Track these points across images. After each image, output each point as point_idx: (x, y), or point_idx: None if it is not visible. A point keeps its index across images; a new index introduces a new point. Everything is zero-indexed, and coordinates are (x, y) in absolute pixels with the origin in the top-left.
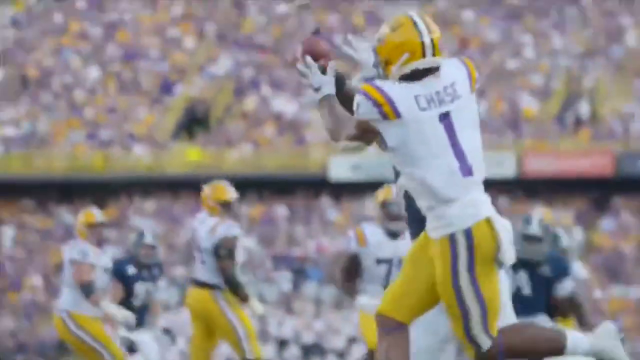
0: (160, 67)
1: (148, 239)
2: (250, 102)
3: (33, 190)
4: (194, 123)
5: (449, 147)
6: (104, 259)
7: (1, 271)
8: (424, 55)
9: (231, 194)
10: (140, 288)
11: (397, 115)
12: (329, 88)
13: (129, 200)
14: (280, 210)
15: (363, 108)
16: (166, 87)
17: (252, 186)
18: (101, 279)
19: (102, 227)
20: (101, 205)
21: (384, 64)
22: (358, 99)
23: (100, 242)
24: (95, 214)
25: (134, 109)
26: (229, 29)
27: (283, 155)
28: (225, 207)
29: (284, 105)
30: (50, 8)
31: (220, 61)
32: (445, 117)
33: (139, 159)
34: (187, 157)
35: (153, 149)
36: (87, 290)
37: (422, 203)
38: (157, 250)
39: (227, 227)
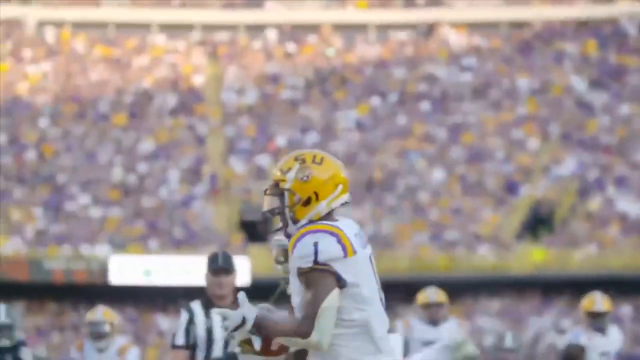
0: (505, 168)
1: (508, 343)
2: (594, 203)
3: None
4: (538, 223)
5: (377, 292)
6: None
7: None
8: (347, 190)
9: (599, 306)
10: None
11: (354, 251)
12: (251, 311)
13: (474, 300)
14: (626, 309)
15: (325, 245)
16: (511, 188)
17: (597, 286)
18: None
19: (437, 307)
20: None
21: (303, 202)
22: (314, 237)
23: (436, 322)
24: (429, 294)
25: (479, 210)
26: (574, 129)
27: (628, 255)
28: (591, 317)
29: (629, 205)
30: (394, 111)
31: (565, 162)
32: (370, 260)
33: (484, 259)
34: (532, 257)
35: (498, 250)
36: None
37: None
38: (518, 355)
39: (575, 335)
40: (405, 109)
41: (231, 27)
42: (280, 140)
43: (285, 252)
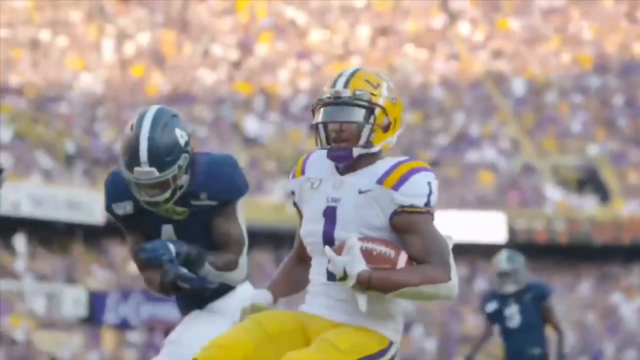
0: None
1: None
2: None
3: None
4: None
5: None
6: None
7: None
8: None
9: None
10: None
11: None
12: (354, 264)
13: None
14: None
15: (436, 187)
16: None
17: None
18: None
19: None
20: None
21: (384, 127)
22: (427, 176)
23: None
24: None
25: None
26: None
27: None
28: None
29: None
30: None
31: None
32: None
33: None
34: None
35: None
36: None
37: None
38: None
39: None
40: None
41: None
42: None
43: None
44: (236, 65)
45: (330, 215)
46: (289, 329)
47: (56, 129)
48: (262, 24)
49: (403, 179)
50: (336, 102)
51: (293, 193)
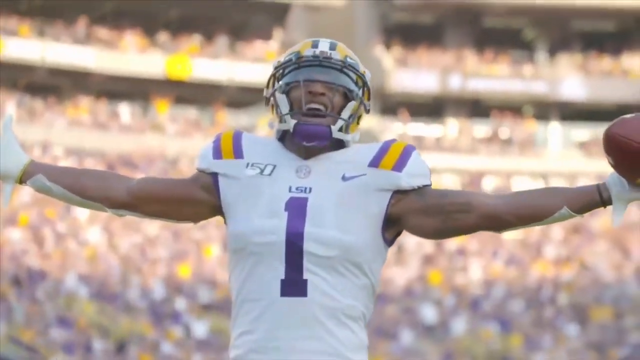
0: None
1: None
2: None
3: None
4: None
5: None
6: None
7: None
8: None
9: None
10: None
11: None
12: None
13: None
14: None
15: None
16: None
17: None
18: None
19: None
20: None
21: (358, 117)
22: (420, 156)
23: None
24: None
25: None
26: None
27: None
28: None
29: None
30: None
31: None
32: None
33: None
34: None
35: None
36: None
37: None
38: None
39: None
40: None
41: None
42: None
43: None
44: (428, 259)
45: (297, 208)
46: None
47: None
48: None
49: (404, 158)
50: (322, 64)
51: (212, 173)
